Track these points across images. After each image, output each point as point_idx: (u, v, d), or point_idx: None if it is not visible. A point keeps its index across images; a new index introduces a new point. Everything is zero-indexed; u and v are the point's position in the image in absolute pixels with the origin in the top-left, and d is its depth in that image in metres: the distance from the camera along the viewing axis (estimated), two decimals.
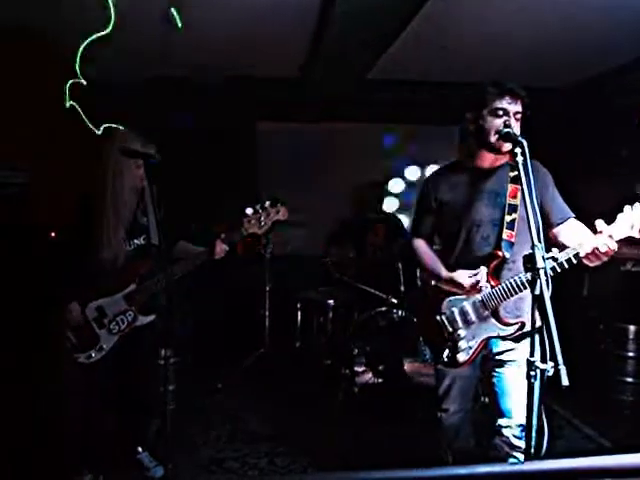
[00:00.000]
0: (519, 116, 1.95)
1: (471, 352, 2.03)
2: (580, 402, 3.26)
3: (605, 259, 1.76)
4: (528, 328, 1.95)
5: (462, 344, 2.03)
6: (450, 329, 2.05)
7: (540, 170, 2.02)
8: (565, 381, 1.27)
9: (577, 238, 1.85)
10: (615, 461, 0.82)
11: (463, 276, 2.00)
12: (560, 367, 1.28)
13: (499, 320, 2.00)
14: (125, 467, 2.57)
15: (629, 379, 3.49)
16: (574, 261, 1.77)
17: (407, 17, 3.02)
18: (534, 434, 1.43)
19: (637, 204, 1.72)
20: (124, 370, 2.47)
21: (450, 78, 4.41)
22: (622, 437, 2.99)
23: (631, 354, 3.50)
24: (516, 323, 1.99)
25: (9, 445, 2.56)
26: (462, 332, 2.03)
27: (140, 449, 2.64)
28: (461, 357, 2.03)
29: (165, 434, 2.07)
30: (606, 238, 1.73)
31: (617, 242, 1.73)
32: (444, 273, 2.08)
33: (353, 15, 2.90)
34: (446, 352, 2.07)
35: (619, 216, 1.74)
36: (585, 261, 1.79)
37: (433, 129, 5.06)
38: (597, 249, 1.73)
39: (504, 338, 2.02)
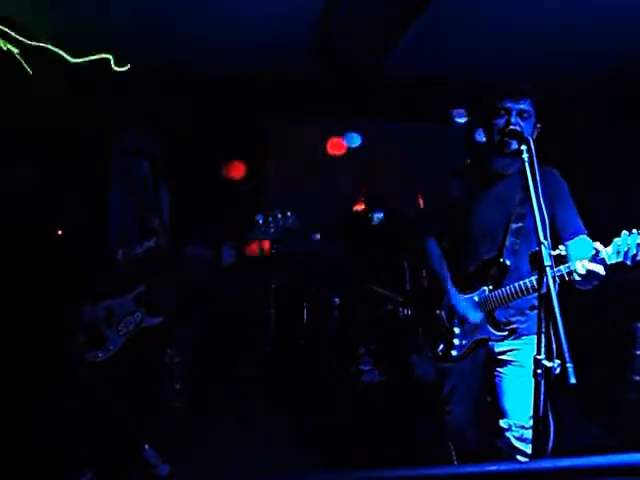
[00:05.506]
0: (526, 115, 1.89)
1: (463, 350, 2.07)
2: (587, 400, 3.23)
3: (594, 284, 1.74)
4: (521, 332, 1.99)
5: (455, 341, 2.08)
6: (447, 324, 2.09)
7: (555, 178, 1.98)
8: (572, 379, 1.26)
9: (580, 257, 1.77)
10: (622, 460, 0.82)
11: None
12: (568, 365, 1.27)
13: (492, 324, 2.02)
14: (131, 465, 2.58)
15: (637, 377, 3.47)
16: (567, 278, 1.74)
17: (410, 17, 3.01)
18: (541, 432, 1.43)
19: (634, 231, 1.63)
20: (130, 371, 2.47)
21: (456, 77, 4.38)
22: (629, 436, 2.96)
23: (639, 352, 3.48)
24: (508, 329, 2.00)
25: (9, 445, 2.57)
26: (457, 329, 2.08)
27: (147, 446, 2.65)
28: (454, 353, 2.09)
29: (171, 432, 2.08)
30: (586, 265, 1.69)
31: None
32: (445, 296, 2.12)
33: (356, 15, 2.89)
34: (441, 346, 2.13)
35: (614, 240, 1.67)
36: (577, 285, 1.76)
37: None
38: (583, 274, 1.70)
39: (497, 341, 2.03)
